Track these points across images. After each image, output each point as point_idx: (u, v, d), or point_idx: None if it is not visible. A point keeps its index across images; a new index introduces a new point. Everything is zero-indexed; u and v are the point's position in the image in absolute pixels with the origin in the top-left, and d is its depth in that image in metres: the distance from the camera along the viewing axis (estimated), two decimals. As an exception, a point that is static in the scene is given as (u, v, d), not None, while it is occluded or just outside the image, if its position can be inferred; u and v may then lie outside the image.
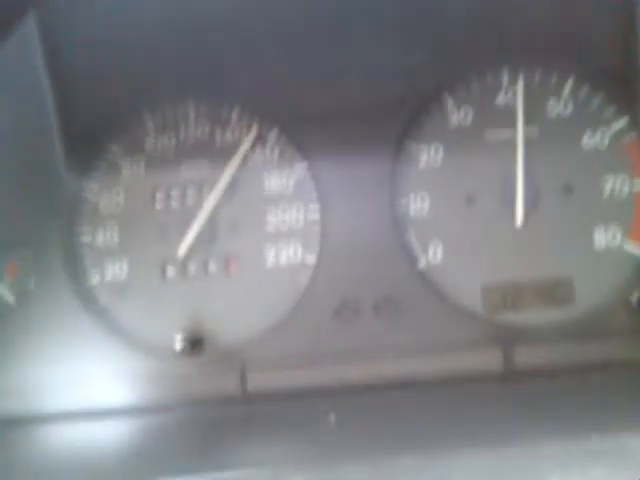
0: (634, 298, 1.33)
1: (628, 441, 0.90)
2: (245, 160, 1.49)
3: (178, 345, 1.36)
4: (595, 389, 1.23)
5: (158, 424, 1.31)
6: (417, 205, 1.44)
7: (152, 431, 1.30)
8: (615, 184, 1.41)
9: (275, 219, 1.46)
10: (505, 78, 1.47)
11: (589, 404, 1.14)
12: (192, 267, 1.45)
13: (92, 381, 1.39)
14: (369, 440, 1.07)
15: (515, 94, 1.45)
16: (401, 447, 1.02)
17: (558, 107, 1.45)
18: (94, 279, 1.47)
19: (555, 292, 1.38)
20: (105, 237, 1.48)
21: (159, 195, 1.49)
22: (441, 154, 1.46)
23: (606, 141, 1.43)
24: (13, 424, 1.34)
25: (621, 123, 1.44)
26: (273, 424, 1.28)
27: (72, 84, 1.46)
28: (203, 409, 1.34)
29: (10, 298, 1.45)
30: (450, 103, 1.48)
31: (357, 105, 1.47)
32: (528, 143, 1.42)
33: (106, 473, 1.09)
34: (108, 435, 1.31)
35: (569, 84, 1.45)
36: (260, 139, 1.50)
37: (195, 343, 1.38)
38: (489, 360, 1.33)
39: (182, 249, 1.43)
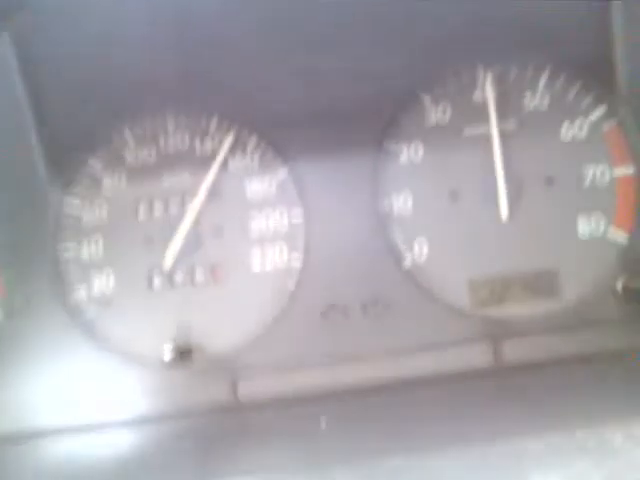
0: (620, 285, 1.33)
1: (611, 434, 0.90)
2: (226, 167, 1.48)
3: (167, 356, 1.35)
4: (584, 380, 1.23)
5: (149, 436, 1.30)
6: (400, 204, 1.44)
7: (143, 444, 1.29)
8: (596, 173, 1.42)
9: (259, 224, 1.46)
10: (480, 74, 1.48)
11: (575, 397, 1.14)
12: (178, 277, 1.45)
13: (82, 396, 1.37)
14: (361, 443, 1.06)
15: (492, 89, 1.46)
16: (393, 448, 1.02)
17: (535, 100, 1.46)
18: (81, 293, 1.46)
19: (542, 284, 1.38)
20: (90, 250, 1.47)
21: (142, 207, 1.48)
22: (421, 152, 1.47)
23: (585, 131, 1.44)
24: (3, 441, 1.33)
25: (599, 112, 1.45)
26: (266, 432, 1.27)
27: (50, 99, 1.44)
28: (194, 419, 1.33)
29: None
30: (427, 101, 1.48)
31: (335, 107, 1.47)
32: (507, 137, 1.43)
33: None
34: (99, 450, 1.29)
35: (544, 77, 1.46)
36: (239, 145, 1.50)
37: (184, 353, 1.37)
38: (479, 356, 1.33)
39: (168, 260, 1.43)
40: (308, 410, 1.28)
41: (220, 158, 1.48)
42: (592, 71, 1.44)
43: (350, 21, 1.42)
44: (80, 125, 1.51)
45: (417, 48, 1.46)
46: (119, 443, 1.31)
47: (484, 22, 1.43)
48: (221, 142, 1.50)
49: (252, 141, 1.50)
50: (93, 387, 1.38)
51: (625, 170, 1.43)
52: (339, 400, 1.30)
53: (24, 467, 1.24)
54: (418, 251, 1.42)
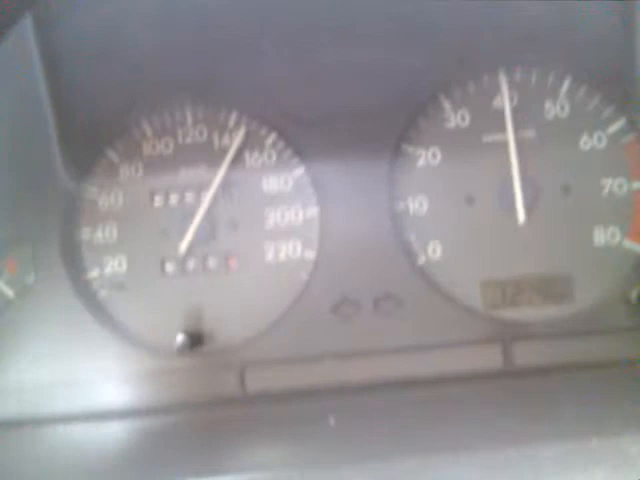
0: (633, 295, 1.33)
1: (628, 442, 0.89)
2: (243, 162, 1.49)
3: (177, 342, 1.35)
4: (594, 387, 1.22)
5: (157, 425, 1.30)
6: (416, 206, 1.45)
7: (151, 432, 1.29)
8: (613, 185, 1.42)
9: (274, 219, 1.46)
10: (502, 81, 1.48)
11: (588, 403, 1.13)
12: (191, 264, 1.45)
13: (90, 379, 1.37)
14: (369, 440, 1.06)
15: (512, 97, 1.46)
16: (401, 447, 1.01)
17: (555, 109, 1.46)
18: (93, 274, 1.47)
19: (554, 289, 1.38)
20: (104, 235, 1.48)
21: (157, 196, 1.49)
22: (439, 156, 1.47)
23: (604, 142, 1.44)
24: (12, 424, 1.33)
25: (619, 124, 1.44)
26: (272, 424, 1.27)
27: (69, 88, 1.46)
28: (202, 408, 1.32)
29: (10, 293, 1.44)
30: (447, 106, 1.48)
31: (355, 108, 1.47)
32: (525, 144, 1.43)
33: (105, 475, 1.07)
34: (106, 436, 1.29)
35: (565, 86, 1.46)
36: (257, 142, 1.50)
37: (194, 340, 1.37)
38: (488, 357, 1.33)
39: (183, 246, 1.43)
40: (315, 404, 1.28)
41: (232, 152, 1.48)
42: (613, 83, 1.44)
43: (371, 22, 1.43)
44: (99, 115, 1.52)
45: (439, 51, 1.46)
46: (124, 431, 1.31)
47: (507, 28, 1.44)
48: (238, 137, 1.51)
49: (270, 138, 1.50)
50: (101, 370, 1.38)
51: (643, 184, 1.43)
52: (346, 395, 1.30)
53: (28, 451, 1.23)
54: (432, 251, 1.42)
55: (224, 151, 1.49)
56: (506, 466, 0.92)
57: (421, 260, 1.42)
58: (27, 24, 1.37)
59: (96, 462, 1.15)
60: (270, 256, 1.44)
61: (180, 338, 1.34)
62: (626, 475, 0.87)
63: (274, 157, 1.50)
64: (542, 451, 0.91)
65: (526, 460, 0.92)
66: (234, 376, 1.36)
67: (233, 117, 1.52)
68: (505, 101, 1.44)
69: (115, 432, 1.30)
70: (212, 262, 1.45)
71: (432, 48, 1.46)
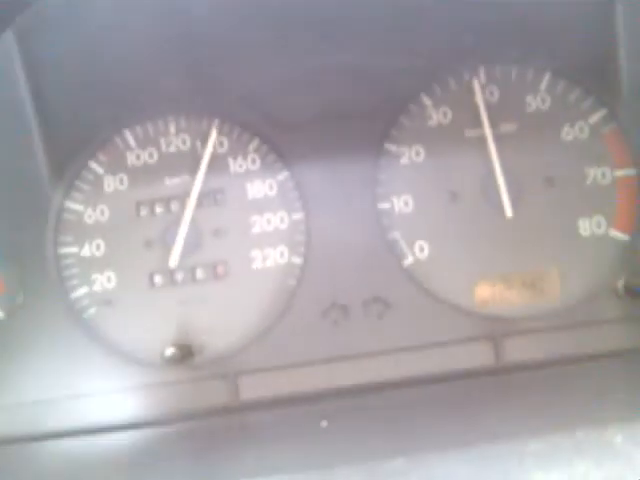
0: (621, 284, 1.33)
1: (612, 435, 0.90)
2: (227, 169, 1.49)
3: (168, 354, 1.34)
4: (585, 379, 1.23)
5: (150, 437, 1.30)
6: (401, 205, 1.45)
7: (144, 445, 1.29)
8: (596, 175, 1.43)
9: (260, 225, 1.46)
10: (482, 76, 1.48)
11: (576, 396, 1.14)
12: (179, 275, 1.45)
13: (82, 395, 1.37)
14: (362, 443, 1.06)
15: (492, 92, 1.47)
16: (394, 448, 1.01)
17: (536, 101, 1.46)
18: (82, 291, 1.46)
19: (542, 283, 1.39)
20: (91, 250, 1.47)
21: (143, 209, 1.49)
22: (422, 154, 1.47)
23: (586, 133, 1.45)
24: (2, 442, 1.33)
25: (600, 114, 1.45)
26: (266, 431, 1.27)
27: (52, 100, 1.44)
28: (195, 419, 1.33)
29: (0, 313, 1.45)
30: (429, 103, 1.49)
31: (337, 110, 1.47)
32: (508, 138, 1.44)
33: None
34: (98, 451, 1.29)
35: (545, 79, 1.46)
36: (241, 148, 1.50)
37: (185, 352, 1.36)
38: (480, 354, 1.33)
39: (173, 260, 1.43)
40: (308, 409, 1.28)
41: (207, 155, 1.47)
42: (594, 74, 1.44)
43: (351, 23, 1.42)
44: (82, 126, 1.51)
45: (419, 49, 1.46)
46: (118, 444, 1.31)
47: (486, 24, 1.43)
48: (222, 144, 1.50)
49: (253, 143, 1.50)
50: (93, 386, 1.38)
51: (626, 172, 1.43)
52: (340, 399, 1.30)
53: (21, 469, 1.23)
54: (419, 250, 1.42)
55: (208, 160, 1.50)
56: (499, 462, 0.93)
57: (408, 260, 1.42)
58: (9, 38, 1.36)
59: (88, 474, 1.15)
60: (257, 263, 1.44)
61: (170, 351, 1.34)
62: (611, 465, 0.87)
63: (258, 162, 1.49)
64: (529, 444, 0.91)
65: (516, 455, 0.92)
66: (227, 386, 1.36)
67: (216, 124, 1.52)
68: (478, 96, 1.45)
69: (108, 446, 1.30)
70: (200, 272, 1.45)
71: (411, 46, 1.46)
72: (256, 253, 1.44)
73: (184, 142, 1.52)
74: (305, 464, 1.02)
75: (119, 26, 1.41)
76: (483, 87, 1.47)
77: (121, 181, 1.51)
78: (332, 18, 1.41)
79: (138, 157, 1.52)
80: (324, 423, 1.16)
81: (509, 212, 1.39)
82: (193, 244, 1.45)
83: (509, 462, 0.93)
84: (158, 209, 1.48)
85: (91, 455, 1.29)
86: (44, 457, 1.29)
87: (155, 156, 1.52)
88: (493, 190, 1.41)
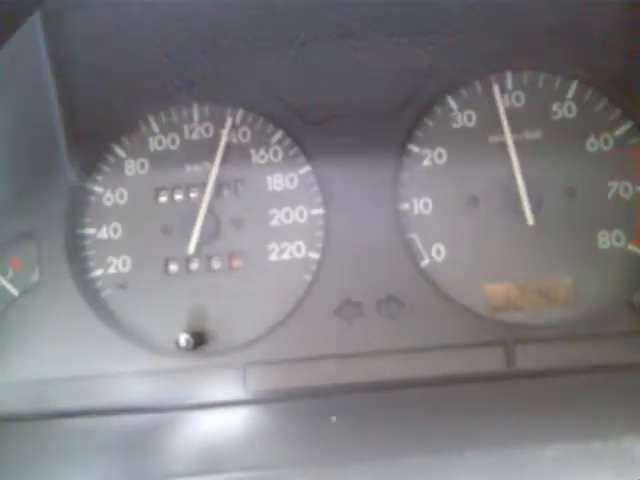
0: (636, 299, 1.32)
1: (630, 445, 0.90)
2: (249, 160, 1.49)
3: (181, 341, 1.35)
4: (596, 390, 1.22)
5: (158, 422, 1.30)
6: (421, 206, 1.45)
7: (152, 430, 1.29)
8: (619, 188, 1.42)
9: (279, 217, 1.46)
10: (509, 81, 1.48)
11: (590, 406, 1.14)
12: (195, 263, 1.46)
13: (92, 376, 1.38)
14: (372, 440, 1.07)
15: (519, 98, 1.46)
16: (404, 447, 1.02)
17: (562, 110, 1.45)
18: (97, 272, 1.47)
19: (558, 292, 1.38)
20: (109, 232, 1.49)
21: (162, 195, 1.50)
22: (445, 157, 1.46)
23: (610, 144, 1.44)
24: (14, 420, 1.34)
25: (626, 127, 1.44)
26: (274, 425, 1.28)
27: (76, 85, 1.46)
28: (204, 408, 1.33)
29: (14, 291, 1.45)
30: (454, 106, 1.48)
31: (362, 107, 1.47)
32: (531, 145, 1.43)
33: (109, 473, 1.08)
34: (108, 431, 1.30)
35: (572, 88, 1.46)
36: (264, 140, 1.50)
37: (197, 340, 1.37)
38: (491, 359, 1.32)
39: (191, 246, 1.44)
40: (317, 405, 1.28)
41: (223, 142, 1.48)
42: (621, 85, 1.43)
43: (379, 22, 1.42)
44: (105, 111, 1.52)
45: (446, 51, 1.46)
46: (125, 427, 1.31)
47: (516, 29, 1.43)
48: (245, 134, 1.50)
49: (276, 136, 1.50)
50: (104, 368, 1.39)
51: (649, 187, 1.42)
52: (349, 397, 1.30)
53: (32, 446, 1.24)
54: (436, 253, 1.42)
55: (230, 148, 1.50)
56: (508, 467, 0.93)
57: (425, 262, 1.42)
58: (36, 21, 1.37)
59: (97, 456, 1.17)
60: (274, 256, 1.44)
61: (183, 338, 1.34)
62: (630, 477, 0.88)
63: (280, 155, 1.50)
64: (544, 452, 0.91)
65: (528, 461, 0.92)
66: (237, 376, 1.36)
67: (240, 114, 1.52)
68: (499, 105, 1.44)
69: (117, 427, 1.31)
70: (216, 261, 1.46)
71: (439, 48, 1.45)
72: (273, 246, 1.45)
73: (207, 130, 1.52)
74: (313, 458, 1.02)
75: (147, 11, 1.42)
76: (510, 92, 1.47)
77: (142, 166, 1.52)
78: (360, 15, 1.42)
79: (160, 142, 1.53)
80: (333, 418, 1.17)
81: (531, 220, 1.39)
82: (211, 233, 1.46)
83: (518, 469, 0.93)
84: (177, 196, 1.49)
85: (98, 434, 1.30)
86: (54, 435, 1.30)
87: (177, 142, 1.53)
88: (513, 197, 1.40)
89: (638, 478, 0.86)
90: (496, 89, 1.46)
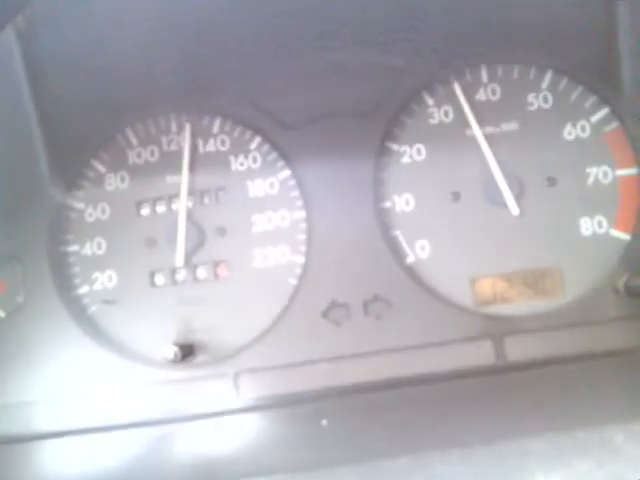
0: (622, 284, 1.33)
1: (613, 431, 0.90)
2: (228, 168, 1.49)
3: (169, 353, 1.34)
4: (586, 378, 1.23)
5: (150, 436, 1.30)
6: (402, 204, 1.45)
7: (146, 444, 1.29)
8: (598, 174, 1.42)
9: (261, 223, 1.46)
10: (484, 76, 1.48)
11: (581, 395, 1.14)
12: (181, 274, 1.46)
13: (83, 393, 1.37)
14: (363, 442, 1.06)
15: (494, 91, 1.47)
16: (395, 447, 1.02)
17: (538, 101, 1.46)
18: (83, 288, 1.47)
19: (543, 282, 1.39)
20: (92, 247, 1.48)
21: (144, 207, 1.49)
22: (424, 153, 1.47)
23: (587, 132, 1.45)
24: (2, 442, 1.33)
25: (602, 113, 1.45)
26: (267, 431, 1.27)
27: (53, 98, 1.44)
28: (197, 418, 1.33)
29: (0, 313, 1.44)
30: (431, 102, 1.48)
31: (338, 109, 1.47)
32: (509, 137, 1.44)
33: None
34: (101, 449, 1.29)
35: (547, 78, 1.46)
36: (243, 146, 1.50)
37: (186, 351, 1.36)
38: (480, 353, 1.33)
39: (178, 258, 1.43)
40: (309, 409, 1.28)
41: (187, 147, 1.48)
42: (596, 73, 1.44)
43: (353, 22, 1.42)
44: (84, 124, 1.51)
45: (421, 48, 1.46)
46: (119, 443, 1.31)
47: (488, 23, 1.43)
48: (224, 142, 1.50)
49: (254, 142, 1.50)
50: (94, 385, 1.38)
51: (627, 171, 1.42)
52: (340, 399, 1.30)
53: (23, 468, 1.24)
54: (420, 249, 1.42)
55: (209, 157, 1.49)
56: (499, 461, 0.93)
57: (409, 259, 1.42)
58: (10, 37, 1.36)
59: (90, 475, 1.16)
60: (259, 262, 1.44)
61: (171, 350, 1.34)
62: (612, 465, 0.87)
63: (259, 161, 1.50)
64: (531, 443, 0.91)
65: (517, 454, 0.92)
66: (229, 385, 1.36)
67: (217, 123, 1.52)
68: (461, 98, 1.45)
69: (109, 445, 1.30)
70: (202, 271, 1.45)
71: (414, 47, 1.46)
72: (257, 252, 1.45)
73: (185, 140, 1.51)
74: (304, 464, 1.02)
75: (120, 25, 1.41)
76: (485, 86, 1.47)
77: (122, 179, 1.51)
78: (334, 16, 1.41)
79: (139, 155, 1.52)
80: (324, 422, 1.16)
81: (515, 211, 1.39)
82: (195, 243, 1.45)
83: (510, 461, 0.93)
84: (159, 208, 1.49)
85: (89, 453, 1.29)
86: (45, 456, 1.29)
87: (156, 154, 1.52)
88: (494, 189, 1.41)
89: (619, 468, 0.86)
90: (456, 85, 1.46)
